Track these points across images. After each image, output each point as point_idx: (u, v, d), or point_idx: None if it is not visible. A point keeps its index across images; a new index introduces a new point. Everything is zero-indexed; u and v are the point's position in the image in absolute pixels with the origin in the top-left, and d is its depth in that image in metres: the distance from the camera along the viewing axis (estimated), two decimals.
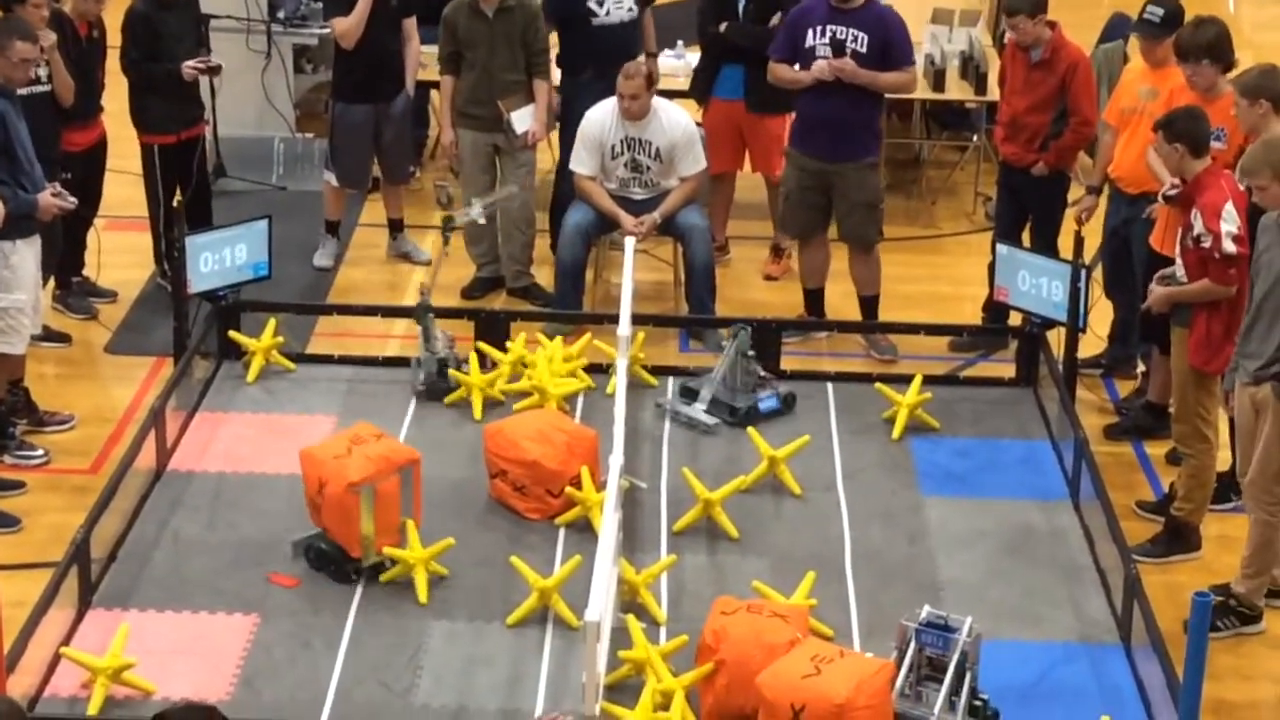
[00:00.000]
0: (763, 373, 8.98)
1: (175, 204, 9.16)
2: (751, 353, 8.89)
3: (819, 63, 9.51)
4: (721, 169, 10.75)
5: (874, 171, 9.96)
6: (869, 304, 10.02)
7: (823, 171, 9.74)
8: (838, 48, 9.51)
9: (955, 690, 6.66)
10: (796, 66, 9.66)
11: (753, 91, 10.37)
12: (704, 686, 6.72)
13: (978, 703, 6.71)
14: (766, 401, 8.86)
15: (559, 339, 9.30)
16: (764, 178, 10.86)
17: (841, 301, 10.13)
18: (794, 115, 10.02)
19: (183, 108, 10.15)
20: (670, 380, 9.17)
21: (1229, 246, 7.64)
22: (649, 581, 7.36)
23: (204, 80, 10.29)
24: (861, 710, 6.37)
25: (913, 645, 6.75)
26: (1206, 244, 7.69)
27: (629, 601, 7.25)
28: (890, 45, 9.58)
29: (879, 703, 6.47)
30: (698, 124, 10.31)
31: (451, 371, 8.92)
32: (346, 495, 7.30)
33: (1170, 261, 8.10)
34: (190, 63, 9.99)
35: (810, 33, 9.56)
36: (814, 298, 10.13)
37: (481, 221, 9.85)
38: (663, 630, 7.22)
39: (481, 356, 9.11)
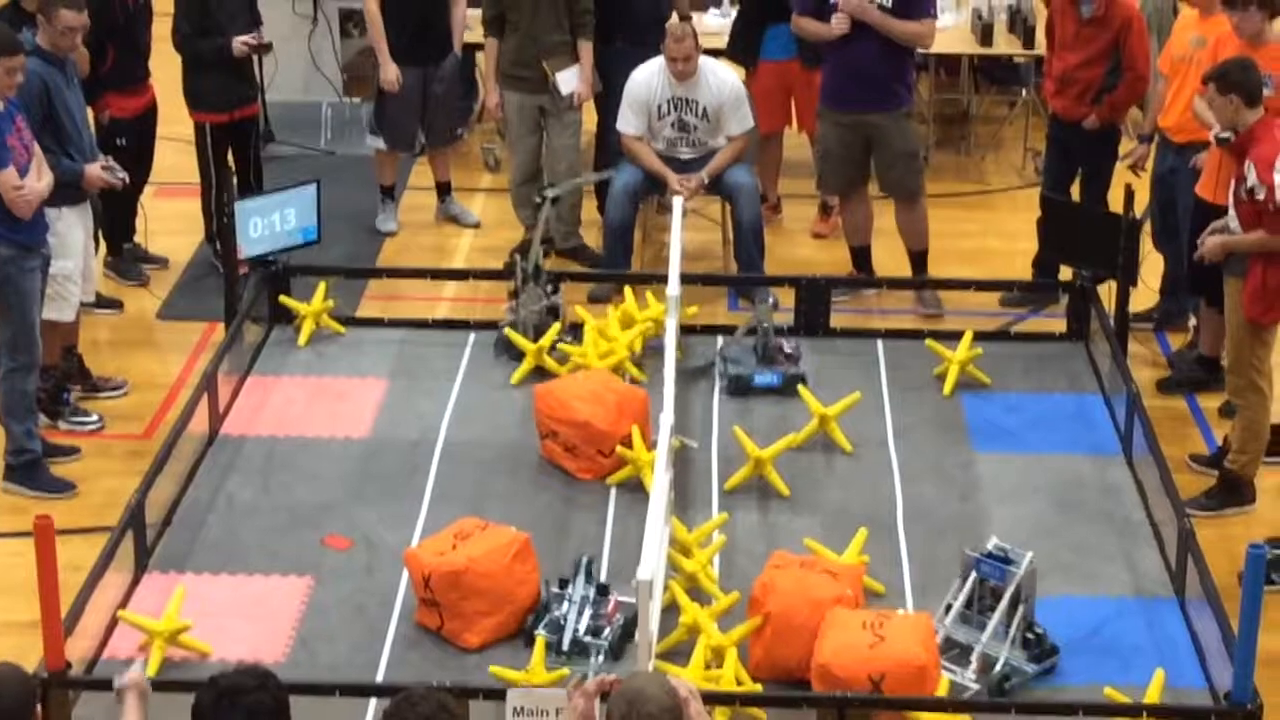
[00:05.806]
0: (788, 349, 8.80)
1: (226, 168, 9.14)
2: (766, 325, 8.74)
3: (838, 14, 9.47)
4: (771, 128, 10.71)
5: (909, 121, 9.93)
6: (918, 259, 9.98)
7: (858, 124, 9.69)
8: None
9: (1009, 621, 6.68)
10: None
11: (807, 47, 10.30)
12: (753, 639, 6.75)
13: (1031, 635, 6.72)
14: (763, 377, 8.67)
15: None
16: (808, 135, 10.82)
17: (889, 258, 10.09)
18: (821, 73, 9.97)
19: (235, 85, 10.08)
20: (719, 338, 9.17)
21: None
22: (701, 540, 7.36)
23: (256, 58, 10.26)
24: (934, 666, 6.48)
25: (973, 575, 6.78)
26: (1260, 196, 7.63)
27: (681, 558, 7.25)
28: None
29: (938, 656, 6.58)
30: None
31: (507, 330, 8.90)
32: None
33: (1218, 210, 8.03)
34: (241, 38, 9.90)
35: None
36: (860, 255, 10.09)
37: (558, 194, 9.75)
38: (715, 589, 7.21)
39: (575, 325, 8.96)
